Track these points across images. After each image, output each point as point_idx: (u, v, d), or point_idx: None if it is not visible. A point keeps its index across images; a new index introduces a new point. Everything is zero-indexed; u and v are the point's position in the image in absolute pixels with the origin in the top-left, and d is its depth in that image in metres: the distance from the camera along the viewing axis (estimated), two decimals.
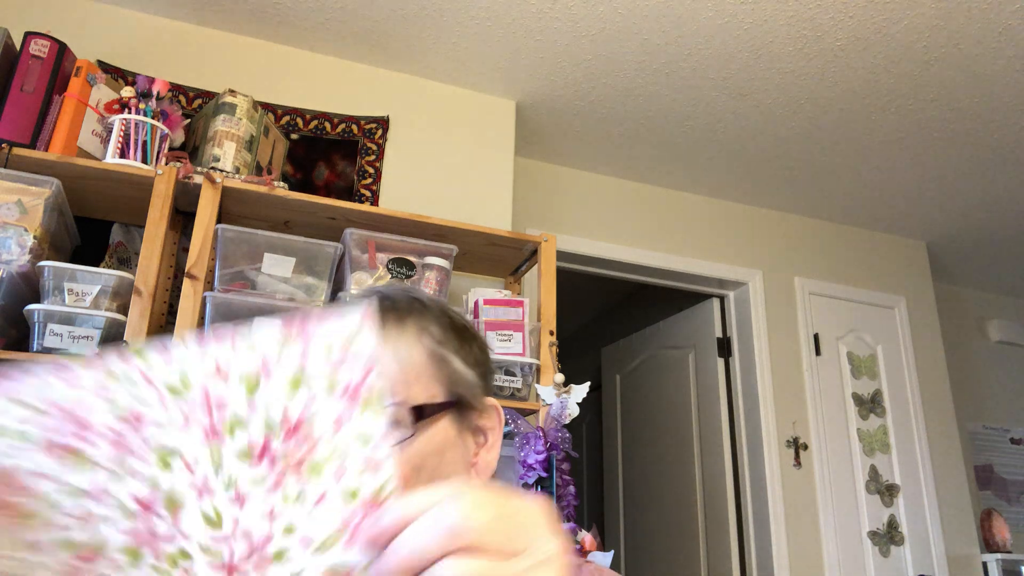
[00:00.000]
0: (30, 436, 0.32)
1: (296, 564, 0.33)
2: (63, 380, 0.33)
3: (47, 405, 0.33)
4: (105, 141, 1.73)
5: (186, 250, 1.72)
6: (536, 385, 1.81)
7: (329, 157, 2.25)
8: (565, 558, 0.32)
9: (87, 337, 1.48)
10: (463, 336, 0.64)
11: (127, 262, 1.86)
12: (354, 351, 0.34)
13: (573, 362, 4.67)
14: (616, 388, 3.83)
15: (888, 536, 2.94)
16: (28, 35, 1.68)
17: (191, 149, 1.93)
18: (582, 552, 1.55)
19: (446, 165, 2.41)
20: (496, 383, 1.79)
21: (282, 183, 1.84)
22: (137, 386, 0.33)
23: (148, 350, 0.33)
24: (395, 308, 0.62)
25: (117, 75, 2.01)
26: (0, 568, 0.33)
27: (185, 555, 0.34)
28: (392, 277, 1.81)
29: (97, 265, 1.79)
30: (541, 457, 1.55)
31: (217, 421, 0.34)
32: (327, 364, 0.34)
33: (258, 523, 0.34)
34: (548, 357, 1.84)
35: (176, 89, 2.09)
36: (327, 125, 2.27)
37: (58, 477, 0.33)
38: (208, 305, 1.58)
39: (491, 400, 0.64)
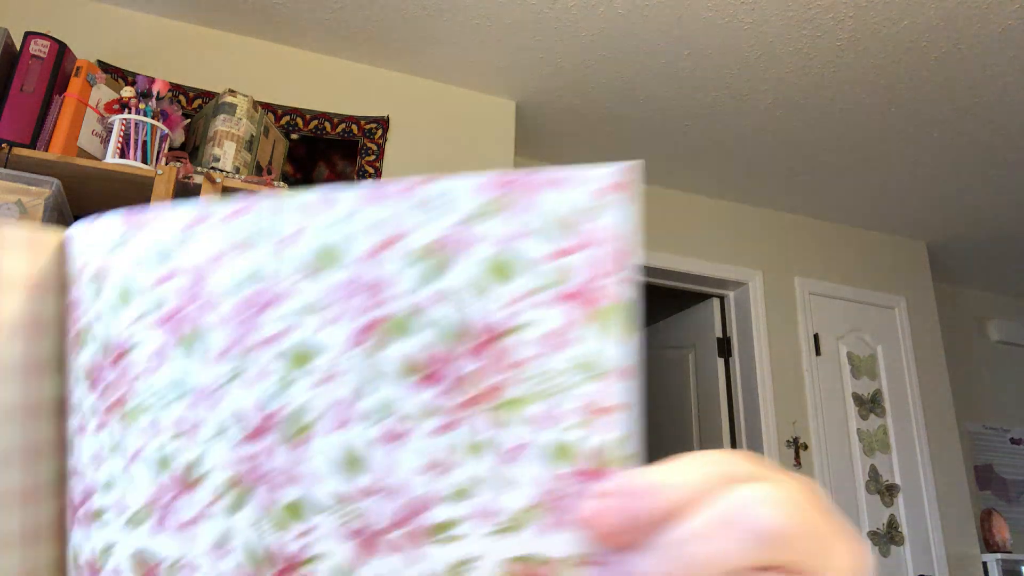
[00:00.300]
0: (150, 304, 0.24)
1: (468, 547, 0.22)
2: (195, 231, 0.24)
3: (171, 265, 0.24)
4: (105, 141, 1.73)
5: None
6: None
7: (329, 157, 2.25)
8: (865, 568, 0.22)
9: None
10: None
11: None
12: (596, 230, 0.22)
13: None
14: None
15: (888, 536, 2.94)
16: (28, 35, 1.68)
17: (191, 149, 1.93)
18: None
19: (446, 165, 2.41)
20: None
21: (282, 183, 1.84)
22: (273, 250, 0.24)
23: (299, 197, 0.24)
24: None
25: (117, 75, 2.01)
26: (95, 479, 0.24)
27: (303, 511, 0.23)
28: None
29: None
30: None
31: (375, 315, 0.23)
32: (551, 246, 0.22)
33: (417, 477, 0.22)
34: None
35: (176, 89, 2.09)
36: (327, 125, 2.27)
37: (173, 363, 0.24)
38: None
39: None
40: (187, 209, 0.25)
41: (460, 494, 0.22)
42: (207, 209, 0.24)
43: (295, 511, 0.23)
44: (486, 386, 0.22)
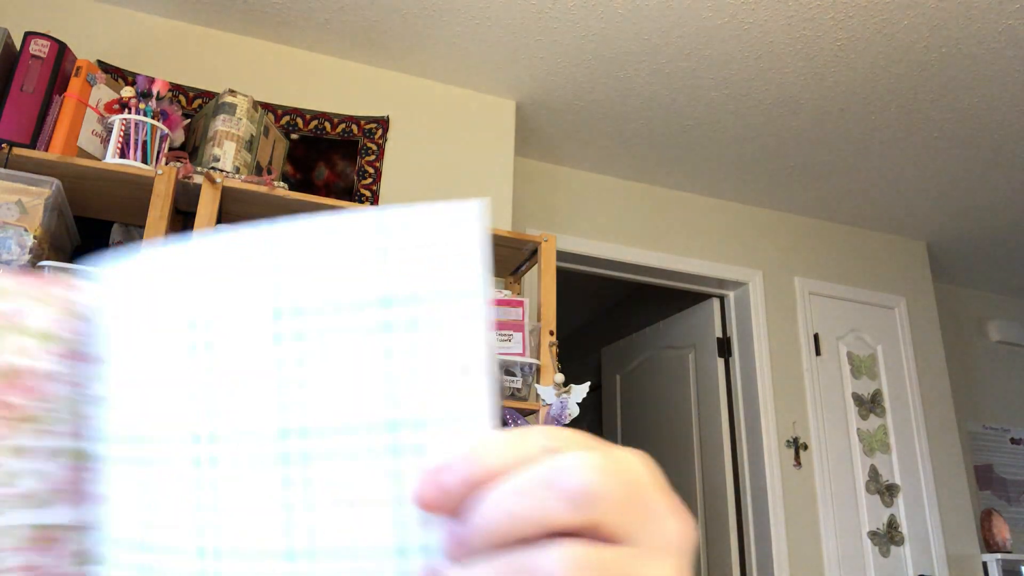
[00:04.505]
0: (55, 338, 0.30)
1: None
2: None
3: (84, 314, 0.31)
4: (105, 141, 1.73)
5: None
6: (536, 385, 1.81)
7: (329, 157, 2.25)
8: (688, 543, 0.23)
9: None
10: None
11: None
12: None
13: (573, 362, 4.67)
14: (616, 388, 3.83)
15: (888, 536, 2.94)
16: (28, 35, 1.68)
17: (191, 149, 1.93)
18: None
19: (446, 165, 2.41)
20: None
21: (282, 183, 1.84)
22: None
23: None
24: None
25: (117, 75, 2.01)
26: None
27: None
28: None
29: None
30: None
31: None
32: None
33: None
34: (548, 357, 1.84)
35: (176, 89, 2.09)
36: (327, 125, 2.27)
37: (80, 383, 0.30)
38: None
39: None
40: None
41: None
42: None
43: None
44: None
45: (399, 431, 0.24)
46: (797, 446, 2.91)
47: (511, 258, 2.11)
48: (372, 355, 0.24)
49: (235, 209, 1.80)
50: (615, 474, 0.22)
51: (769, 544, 2.75)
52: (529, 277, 2.36)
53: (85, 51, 1.93)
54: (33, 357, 0.29)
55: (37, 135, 1.63)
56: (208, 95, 2.12)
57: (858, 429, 3.05)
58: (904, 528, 2.98)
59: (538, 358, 1.84)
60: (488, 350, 0.24)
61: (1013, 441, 3.83)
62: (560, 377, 1.80)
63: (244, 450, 0.25)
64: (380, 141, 2.32)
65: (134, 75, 1.99)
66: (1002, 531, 3.26)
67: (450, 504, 0.22)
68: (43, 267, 1.48)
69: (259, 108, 1.98)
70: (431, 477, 0.22)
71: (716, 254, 3.09)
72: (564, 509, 0.21)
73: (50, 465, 0.29)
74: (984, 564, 3.10)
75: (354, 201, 2.19)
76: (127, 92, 1.75)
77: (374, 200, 2.24)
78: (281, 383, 0.25)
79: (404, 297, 0.24)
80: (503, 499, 0.21)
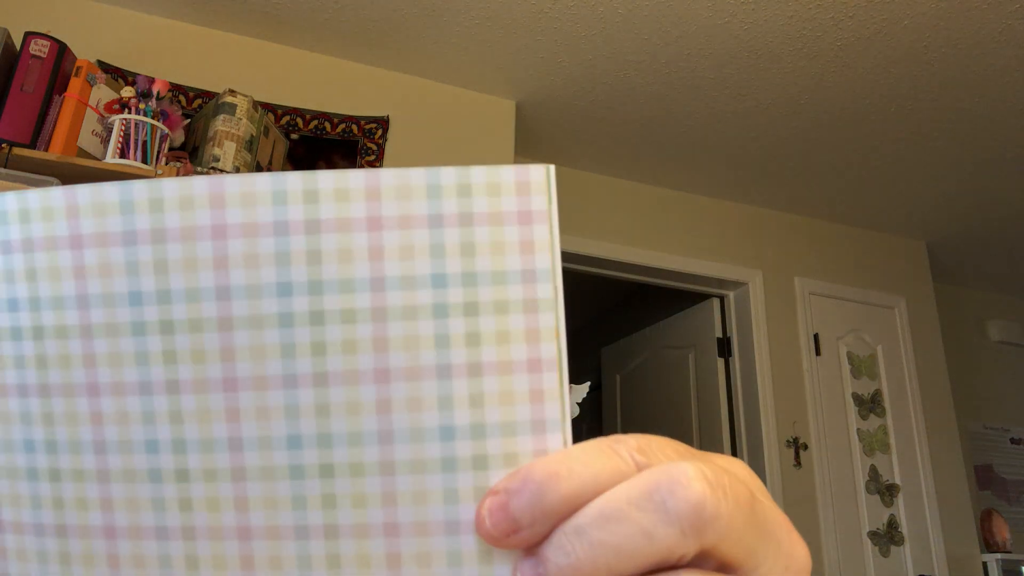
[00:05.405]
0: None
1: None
2: None
3: None
4: (105, 141, 1.73)
5: None
6: None
7: (329, 157, 2.25)
8: (810, 571, 0.19)
9: None
10: None
11: None
12: None
13: (573, 362, 4.66)
14: (616, 388, 3.83)
15: (888, 536, 2.94)
16: (28, 35, 1.68)
17: (191, 149, 1.93)
18: None
19: (446, 165, 2.41)
20: None
21: None
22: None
23: None
24: None
25: (117, 75, 2.01)
26: None
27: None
28: None
29: None
30: None
31: None
32: None
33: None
34: None
35: (176, 89, 2.09)
36: (327, 125, 2.27)
37: None
38: None
39: None
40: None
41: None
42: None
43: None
44: None
45: (454, 440, 0.19)
46: (797, 446, 2.91)
47: None
48: (420, 345, 0.19)
49: None
50: (728, 489, 0.18)
51: None
52: None
53: (85, 51, 1.93)
54: None
55: (37, 135, 1.63)
56: (208, 95, 2.12)
57: (858, 429, 3.05)
58: (904, 528, 2.98)
59: None
60: (561, 342, 0.20)
61: (1013, 441, 3.83)
62: None
63: (247, 463, 0.20)
64: (380, 141, 2.32)
65: (134, 75, 1.99)
66: (1002, 531, 3.26)
67: (522, 536, 0.18)
68: None
69: (259, 108, 1.98)
70: (497, 501, 0.18)
71: (716, 254, 3.09)
72: (673, 535, 0.17)
73: None
74: (984, 564, 3.10)
75: None
76: (127, 92, 1.75)
77: None
78: (292, 377, 0.19)
79: (460, 276, 0.20)
80: (593, 528, 0.17)
